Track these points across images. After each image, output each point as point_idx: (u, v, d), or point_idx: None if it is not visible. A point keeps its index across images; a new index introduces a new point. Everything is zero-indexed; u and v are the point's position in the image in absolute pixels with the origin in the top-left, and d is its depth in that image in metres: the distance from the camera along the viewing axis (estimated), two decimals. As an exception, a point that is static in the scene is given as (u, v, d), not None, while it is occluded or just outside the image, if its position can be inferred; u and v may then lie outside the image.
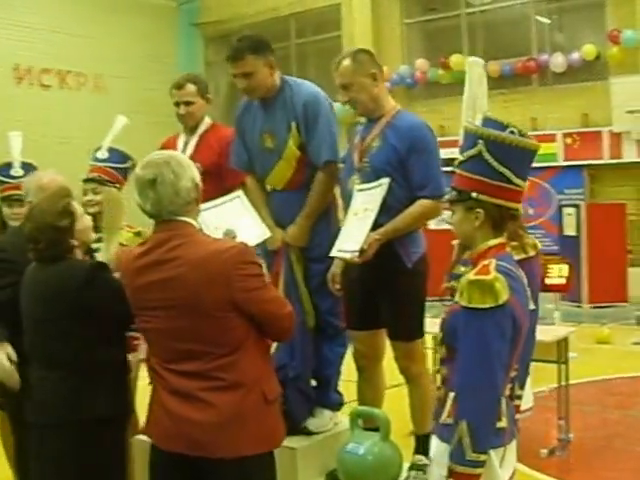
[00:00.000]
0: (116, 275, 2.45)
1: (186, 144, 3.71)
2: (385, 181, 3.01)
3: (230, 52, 3.15)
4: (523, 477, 3.83)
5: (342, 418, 3.30)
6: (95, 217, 3.09)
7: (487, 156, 2.07)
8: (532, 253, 2.40)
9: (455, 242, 2.62)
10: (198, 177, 2.31)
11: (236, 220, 2.93)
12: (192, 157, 3.25)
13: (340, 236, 3.08)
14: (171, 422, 2.22)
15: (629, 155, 11.09)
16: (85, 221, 2.61)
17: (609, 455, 4.58)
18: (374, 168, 3.10)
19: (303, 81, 3.33)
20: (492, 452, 2.02)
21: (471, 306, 1.98)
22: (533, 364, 2.57)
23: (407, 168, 3.06)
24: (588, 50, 11.82)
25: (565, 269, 6.63)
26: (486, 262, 2.04)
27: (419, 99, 13.01)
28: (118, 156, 3.71)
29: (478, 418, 1.98)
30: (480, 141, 2.08)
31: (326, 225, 3.26)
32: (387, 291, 3.15)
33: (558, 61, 12.03)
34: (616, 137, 11.12)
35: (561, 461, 4.50)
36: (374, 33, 13.96)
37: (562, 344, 4.64)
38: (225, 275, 2.16)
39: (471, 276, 2.02)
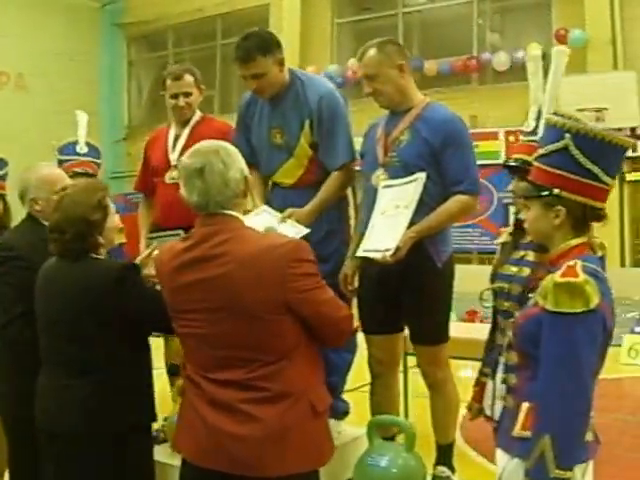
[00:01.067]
0: (152, 274, 2.45)
1: (177, 137, 3.58)
2: (422, 175, 2.88)
3: (238, 53, 3.09)
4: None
5: (345, 427, 3.24)
6: None
7: (574, 151, 2.00)
8: (600, 253, 2.17)
9: (499, 241, 2.63)
10: (247, 169, 2.23)
11: (270, 225, 2.81)
12: (184, 150, 3.20)
13: (368, 235, 2.96)
14: (209, 437, 2.09)
15: None
16: (115, 219, 2.54)
17: (603, 462, 3.74)
18: (405, 163, 2.99)
19: (314, 75, 3.34)
20: (576, 468, 1.89)
21: (559, 310, 1.89)
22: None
23: (441, 163, 2.96)
24: (533, 49, 11.22)
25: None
26: (571, 263, 1.95)
27: (349, 98, 12.28)
28: (96, 151, 3.78)
29: (565, 430, 1.87)
30: (567, 135, 2.00)
31: (338, 223, 3.26)
32: (414, 292, 3.04)
33: (501, 59, 11.84)
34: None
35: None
36: (303, 33, 13.79)
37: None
38: (278, 273, 2.03)
39: (558, 278, 1.92)
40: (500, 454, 2.09)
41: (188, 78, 3.55)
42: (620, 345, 7.07)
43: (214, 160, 2.13)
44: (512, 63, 11.71)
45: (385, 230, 2.92)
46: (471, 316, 7.46)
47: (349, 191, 3.35)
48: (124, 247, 3.58)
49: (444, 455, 3.14)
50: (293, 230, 2.93)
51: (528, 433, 1.94)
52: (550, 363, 1.91)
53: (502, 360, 2.38)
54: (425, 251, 2.98)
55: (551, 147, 2.03)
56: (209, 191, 2.11)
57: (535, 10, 12.05)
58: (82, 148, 3.75)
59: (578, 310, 1.87)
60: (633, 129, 10.04)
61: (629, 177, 10.95)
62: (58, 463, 2.37)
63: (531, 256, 2.46)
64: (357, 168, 3.23)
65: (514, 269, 2.44)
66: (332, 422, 3.11)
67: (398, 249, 2.81)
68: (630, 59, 10.79)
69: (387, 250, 2.81)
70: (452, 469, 3.13)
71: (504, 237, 2.65)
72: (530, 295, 2.12)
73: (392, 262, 2.81)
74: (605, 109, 9.67)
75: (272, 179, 3.32)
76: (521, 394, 2.04)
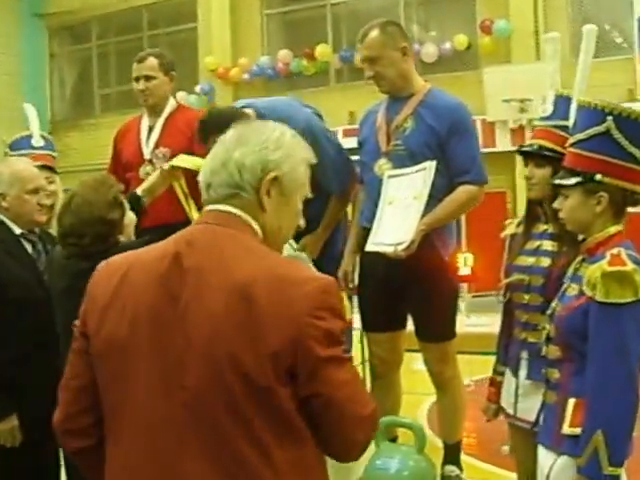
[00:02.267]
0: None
1: (151, 128, 3.41)
2: (431, 164, 2.74)
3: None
4: (486, 475, 3.62)
5: None
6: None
7: (617, 134, 1.93)
8: None
9: (507, 232, 2.50)
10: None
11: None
12: (159, 142, 3.19)
13: (376, 228, 2.81)
14: None
15: (503, 144, 10.82)
16: (130, 216, 2.39)
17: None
18: (411, 151, 2.87)
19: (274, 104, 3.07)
20: None
21: (609, 301, 1.83)
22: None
23: (447, 152, 2.86)
24: (459, 40, 11.70)
25: (470, 258, 5.84)
26: (614, 251, 1.89)
27: (279, 90, 12.63)
28: (51, 144, 3.60)
29: (617, 425, 1.83)
30: (609, 117, 1.93)
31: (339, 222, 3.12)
32: (421, 287, 2.93)
33: (429, 51, 11.85)
34: (489, 126, 10.87)
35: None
36: (232, 24, 13.58)
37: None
38: (294, 322, 1.33)
39: (606, 267, 1.86)
40: (543, 453, 2.03)
41: (151, 61, 3.38)
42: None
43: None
44: (440, 54, 11.76)
45: (395, 223, 2.78)
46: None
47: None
48: None
49: (452, 454, 3.05)
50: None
51: (577, 430, 1.88)
52: (601, 356, 1.84)
53: (524, 355, 2.32)
54: (432, 244, 2.87)
55: (591, 131, 1.95)
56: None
57: (459, 1, 12.14)
58: (38, 141, 3.54)
59: (628, 300, 1.83)
60: (556, 120, 10.24)
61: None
62: None
63: (549, 245, 2.36)
64: (355, 158, 3.12)
65: (531, 260, 2.35)
66: None
67: (412, 243, 2.68)
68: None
69: (399, 244, 2.69)
70: (460, 468, 3.09)
71: (511, 229, 2.56)
72: (564, 284, 2.06)
73: (404, 256, 2.68)
74: (529, 100, 9.78)
75: None
76: (566, 389, 1.97)
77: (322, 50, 12.41)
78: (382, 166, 2.92)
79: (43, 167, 3.16)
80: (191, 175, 2.69)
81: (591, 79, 2.48)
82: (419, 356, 3.17)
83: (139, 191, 2.84)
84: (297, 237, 2.88)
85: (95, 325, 1.45)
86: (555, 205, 2.12)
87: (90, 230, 2.23)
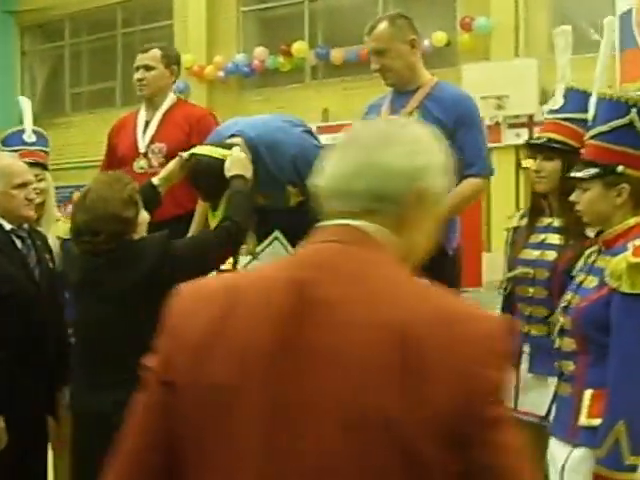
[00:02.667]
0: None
1: (148, 122, 3.36)
2: None
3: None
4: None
5: None
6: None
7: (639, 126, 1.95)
8: None
9: (511, 225, 2.49)
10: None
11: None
12: (155, 137, 3.18)
13: None
14: None
15: None
16: (144, 215, 2.37)
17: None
18: None
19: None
20: None
21: (636, 292, 1.85)
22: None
23: (453, 145, 2.69)
24: (438, 37, 11.62)
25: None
26: (637, 243, 1.91)
27: (254, 87, 12.70)
28: (44, 139, 3.49)
29: (639, 415, 1.83)
30: (633, 109, 1.96)
31: None
32: None
33: None
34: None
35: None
36: (209, 22, 13.45)
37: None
38: (462, 372, 1.01)
39: (631, 259, 1.87)
40: (557, 445, 2.04)
41: (154, 52, 3.33)
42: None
43: None
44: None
45: None
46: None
47: None
48: None
49: None
50: None
51: (595, 421, 1.90)
52: (624, 347, 1.86)
53: (526, 349, 2.33)
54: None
55: (614, 123, 1.97)
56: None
57: (439, -1, 12.08)
58: (30, 136, 3.41)
59: None
60: (531, 116, 10.14)
61: (524, 163, 11.13)
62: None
63: (554, 239, 2.35)
64: None
65: (536, 253, 2.35)
66: None
67: None
68: (531, 46, 10.93)
69: None
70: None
71: (515, 221, 2.55)
72: (577, 276, 2.07)
73: None
74: (506, 96, 9.74)
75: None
76: (582, 381, 1.98)
77: (298, 47, 12.31)
78: None
79: (34, 164, 3.11)
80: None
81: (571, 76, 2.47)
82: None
83: (155, 180, 2.79)
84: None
85: (188, 369, 1.09)
86: (572, 198, 2.12)
87: (105, 227, 2.21)
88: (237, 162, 2.67)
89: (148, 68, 3.32)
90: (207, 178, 2.72)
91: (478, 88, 9.88)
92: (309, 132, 3.05)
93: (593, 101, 2.23)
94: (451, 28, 11.64)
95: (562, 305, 2.10)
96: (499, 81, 9.71)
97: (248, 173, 2.66)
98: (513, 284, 2.44)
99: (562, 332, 2.10)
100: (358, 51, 11.70)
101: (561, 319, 2.12)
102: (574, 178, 2.09)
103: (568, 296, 2.11)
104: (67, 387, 2.56)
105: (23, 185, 2.66)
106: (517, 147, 10.08)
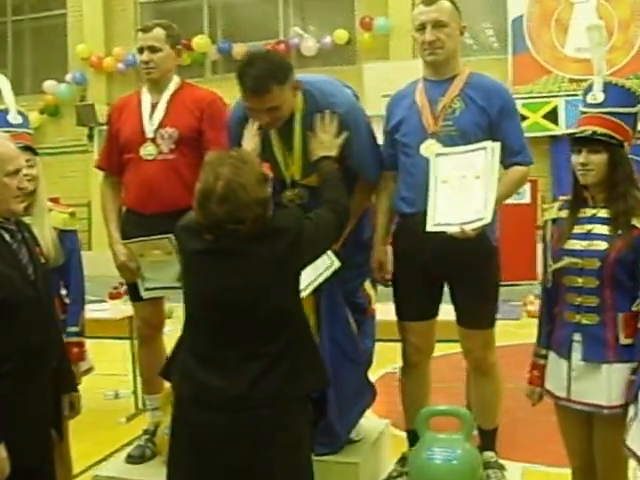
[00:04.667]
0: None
1: (154, 106, 3.14)
2: (494, 145, 2.72)
3: (250, 83, 2.52)
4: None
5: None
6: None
7: None
8: None
9: (548, 217, 2.56)
10: None
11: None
12: (164, 121, 3.07)
13: (433, 207, 2.74)
14: None
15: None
16: (268, 189, 2.22)
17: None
18: (463, 132, 2.85)
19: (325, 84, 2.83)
20: None
21: None
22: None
23: (498, 133, 2.85)
24: (339, 35, 11.80)
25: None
26: None
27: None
28: (27, 120, 3.17)
29: None
30: None
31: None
32: (471, 273, 2.90)
33: (309, 45, 11.88)
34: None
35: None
36: (105, 12, 13.16)
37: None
38: None
39: None
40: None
41: (158, 31, 3.11)
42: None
43: None
44: (320, 49, 11.84)
45: (455, 202, 2.73)
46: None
47: None
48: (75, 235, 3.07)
49: (490, 440, 3.07)
50: (323, 264, 2.74)
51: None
52: None
53: (577, 338, 2.41)
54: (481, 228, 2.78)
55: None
56: None
57: (339, -4, 12.26)
58: (15, 117, 3.07)
59: None
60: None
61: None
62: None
63: (603, 229, 2.39)
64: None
65: (584, 243, 2.38)
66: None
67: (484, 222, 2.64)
68: (429, 47, 11.28)
69: (466, 223, 2.64)
70: (497, 454, 3.09)
71: (554, 213, 2.56)
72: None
73: (473, 235, 2.63)
74: (407, 96, 10.00)
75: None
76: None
77: (200, 41, 12.14)
78: (429, 147, 2.86)
79: (24, 148, 2.75)
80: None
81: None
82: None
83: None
84: None
85: None
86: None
87: (248, 214, 2.09)
88: (320, 144, 2.63)
89: (154, 50, 3.11)
90: None
91: (379, 86, 10.12)
92: (356, 97, 3.04)
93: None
94: (351, 27, 11.83)
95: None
96: (398, 80, 9.84)
97: (333, 152, 2.65)
98: (560, 274, 2.51)
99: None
100: (260, 47, 12.04)
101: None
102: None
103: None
104: (68, 396, 2.38)
105: (15, 173, 2.28)
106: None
